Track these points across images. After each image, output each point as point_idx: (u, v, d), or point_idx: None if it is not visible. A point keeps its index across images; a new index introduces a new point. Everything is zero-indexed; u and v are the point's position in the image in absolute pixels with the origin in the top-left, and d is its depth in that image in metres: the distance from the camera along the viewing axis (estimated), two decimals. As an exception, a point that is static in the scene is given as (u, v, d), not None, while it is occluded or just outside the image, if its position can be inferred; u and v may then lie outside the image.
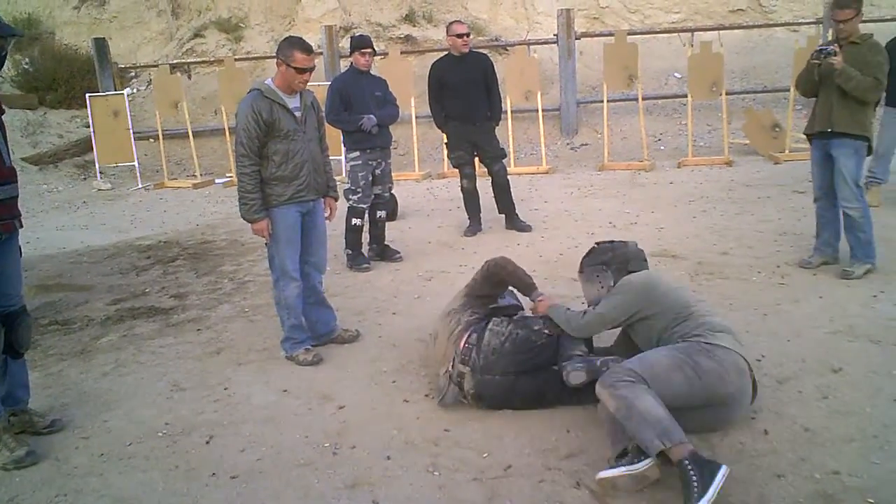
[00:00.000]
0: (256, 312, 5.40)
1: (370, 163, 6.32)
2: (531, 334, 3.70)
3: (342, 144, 6.48)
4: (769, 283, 5.29)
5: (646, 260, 3.97)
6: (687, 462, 2.79)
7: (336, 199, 4.83)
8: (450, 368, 3.71)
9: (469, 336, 3.72)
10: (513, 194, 7.32)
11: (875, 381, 3.71)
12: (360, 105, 6.24)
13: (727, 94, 10.80)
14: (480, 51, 7.85)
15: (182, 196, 10.75)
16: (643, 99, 11.12)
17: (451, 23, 6.98)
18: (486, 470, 3.18)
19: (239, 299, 5.75)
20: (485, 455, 3.29)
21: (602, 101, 11.05)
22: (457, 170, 7.27)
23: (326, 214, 4.73)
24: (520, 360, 3.64)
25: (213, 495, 3.14)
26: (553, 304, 3.91)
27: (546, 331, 3.71)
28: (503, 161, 7.16)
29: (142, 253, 7.46)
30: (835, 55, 5.07)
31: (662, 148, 11.68)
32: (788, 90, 10.55)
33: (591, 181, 9.59)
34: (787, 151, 10.18)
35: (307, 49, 4.33)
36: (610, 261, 3.85)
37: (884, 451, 3.09)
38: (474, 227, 7.26)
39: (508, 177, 7.27)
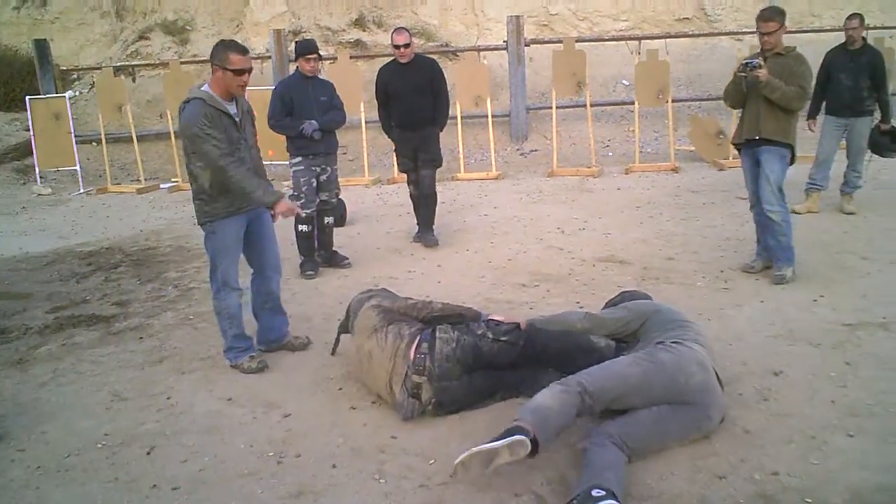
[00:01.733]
0: (201, 320, 5.31)
1: (314, 168, 6.26)
2: (477, 340, 3.71)
3: (286, 150, 6.41)
4: (713, 288, 5.38)
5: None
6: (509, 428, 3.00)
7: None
8: (404, 382, 3.67)
9: (419, 346, 3.68)
10: (436, 208, 7.05)
11: (814, 383, 3.79)
12: (304, 110, 6.18)
13: (673, 101, 11.00)
14: (428, 55, 7.77)
15: (126, 201, 10.52)
16: (591, 105, 11.25)
17: (393, 31, 6.83)
18: (433, 476, 3.16)
19: (183, 306, 5.65)
20: (431, 462, 3.28)
21: (551, 108, 11.14)
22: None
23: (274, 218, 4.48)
24: (470, 363, 3.68)
25: (154, 507, 3.08)
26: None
27: (490, 335, 3.73)
28: (433, 169, 6.87)
29: (83, 259, 7.27)
30: (760, 67, 5.22)
31: (610, 154, 11.83)
32: (807, 101, 10.75)
33: (541, 187, 9.65)
34: (731, 158, 10.36)
35: (242, 50, 4.18)
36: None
37: (822, 452, 3.15)
38: (425, 234, 7.13)
39: (437, 187, 6.99)
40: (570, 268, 6.04)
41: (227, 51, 4.12)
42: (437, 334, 3.71)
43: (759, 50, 5.59)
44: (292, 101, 6.23)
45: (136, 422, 3.83)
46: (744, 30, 13.23)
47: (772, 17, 5.36)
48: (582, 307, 5.09)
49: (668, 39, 12.64)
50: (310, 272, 6.28)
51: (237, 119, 4.26)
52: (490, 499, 2.97)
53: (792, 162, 5.55)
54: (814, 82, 7.15)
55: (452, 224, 7.73)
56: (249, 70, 4.21)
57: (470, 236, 7.25)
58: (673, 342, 3.41)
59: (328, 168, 6.36)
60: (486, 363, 3.71)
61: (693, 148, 11.14)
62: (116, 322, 5.39)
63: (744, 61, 5.38)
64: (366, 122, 10.91)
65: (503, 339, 3.72)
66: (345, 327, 4.26)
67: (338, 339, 4.37)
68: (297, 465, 3.33)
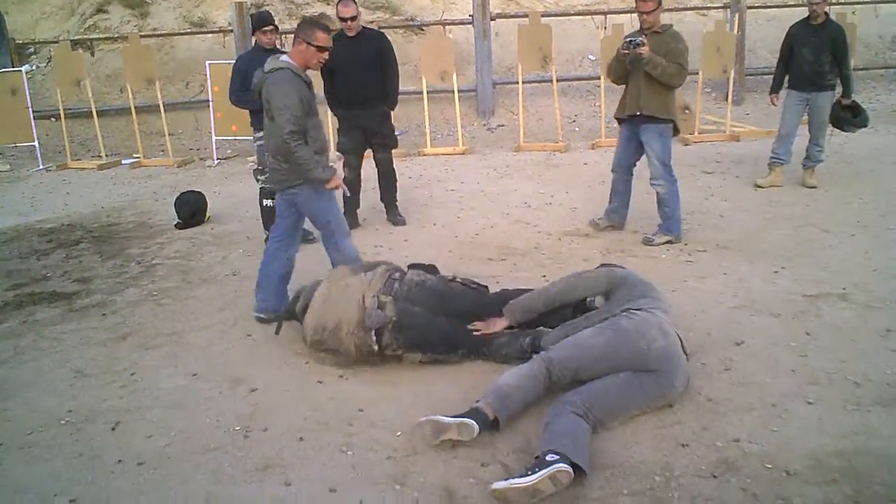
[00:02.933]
0: (165, 296, 5.25)
1: None
2: (444, 283, 4.16)
3: (250, 125, 6.33)
4: (677, 261, 5.44)
5: None
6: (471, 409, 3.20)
7: None
8: (375, 295, 3.91)
9: (391, 274, 4.07)
10: (397, 185, 6.99)
11: (774, 352, 3.86)
12: None
13: (638, 76, 11.00)
14: (376, 29, 7.45)
15: (86, 177, 10.33)
16: (558, 81, 11.24)
17: (338, 2, 6.38)
18: (399, 448, 3.18)
19: (146, 283, 5.58)
20: (398, 434, 3.29)
21: (517, 83, 11.11)
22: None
23: None
24: (435, 303, 3.98)
25: (119, 482, 3.05)
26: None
27: (459, 279, 4.21)
28: (388, 152, 6.75)
29: (43, 237, 7.14)
30: (643, 45, 5.45)
31: (577, 129, 11.85)
32: (697, 73, 10.83)
33: (507, 162, 9.65)
34: (696, 133, 10.47)
35: (327, 28, 4.44)
36: None
37: (781, 419, 3.22)
38: (349, 221, 5.78)
39: (394, 165, 6.90)
40: (537, 242, 6.06)
41: (314, 28, 4.39)
42: (409, 271, 4.16)
43: (641, 28, 5.76)
44: (251, 75, 6.13)
45: (99, 398, 3.79)
46: (708, 5, 13.29)
47: None
48: (548, 280, 5.12)
49: (633, 14, 12.64)
50: None
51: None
52: (457, 468, 3.00)
53: (675, 134, 5.88)
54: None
55: (419, 199, 7.70)
56: (330, 48, 4.48)
57: (437, 211, 7.23)
58: (636, 310, 3.46)
59: None
60: (451, 305, 4.02)
61: (658, 123, 11.18)
62: (78, 299, 5.31)
63: (626, 38, 5.59)
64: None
65: (472, 285, 4.19)
66: (292, 312, 4.29)
67: (281, 323, 4.37)
68: (264, 439, 3.33)
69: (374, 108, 6.53)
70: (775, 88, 7.71)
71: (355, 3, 6.32)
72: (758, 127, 10.83)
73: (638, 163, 6.10)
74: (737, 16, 11.66)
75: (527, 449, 3.09)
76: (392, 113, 6.78)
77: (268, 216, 6.24)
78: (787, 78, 7.52)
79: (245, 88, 6.13)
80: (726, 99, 11.13)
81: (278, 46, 6.39)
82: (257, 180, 6.22)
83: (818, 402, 3.35)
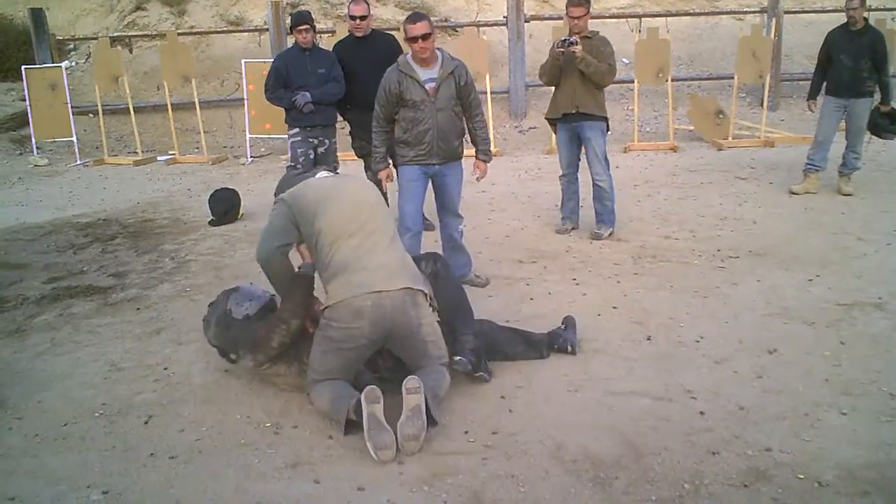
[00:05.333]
0: (198, 292, 5.31)
1: (310, 140, 6.27)
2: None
3: (284, 122, 6.40)
4: (709, 267, 5.39)
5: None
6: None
7: (485, 161, 5.27)
8: None
9: None
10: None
11: (808, 361, 3.82)
12: (300, 82, 6.16)
13: (673, 80, 10.95)
14: (386, 31, 7.26)
15: (122, 173, 10.49)
16: (591, 83, 11.17)
17: (350, 1, 6.29)
18: (429, 448, 3.17)
19: (180, 278, 5.65)
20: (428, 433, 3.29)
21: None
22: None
23: (477, 175, 5.27)
24: None
25: (152, 475, 3.09)
26: None
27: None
28: None
29: (80, 231, 7.26)
30: (576, 44, 5.71)
31: (609, 132, 11.75)
32: (732, 77, 10.75)
33: (539, 164, 9.64)
34: (730, 138, 10.38)
35: (413, 18, 4.67)
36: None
37: (814, 429, 3.18)
38: None
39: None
40: (568, 245, 6.05)
41: (405, 21, 4.70)
42: None
43: (571, 33, 5.97)
44: (288, 73, 6.20)
45: (133, 391, 3.84)
46: (745, 9, 13.18)
47: (581, 3, 5.86)
48: (578, 283, 5.12)
49: (668, 18, 12.58)
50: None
51: (427, 85, 4.77)
52: (487, 471, 2.99)
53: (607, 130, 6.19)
54: (815, 63, 7.23)
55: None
56: (425, 35, 4.62)
57: (468, 212, 7.15)
58: (325, 316, 3.53)
59: (326, 140, 6.34)
60: None
61: (692, 127, 11.11)
62: (113, 293, 5.39)
63: (561, 39, 5.84)
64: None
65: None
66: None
67: None
68: (294, 437, 3.35)
69: None
70: (813, 94, 7.62)
71: (367, 4, 6.25)
72: (793, 133, 10.71)
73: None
74: (774, 20, 11.53)
75: (556, 455, 3.09)
76: None
77: None
78: (824, 84, 7.42)
79: (281, 86, 6.21)
80: (761, 104, 11.00)
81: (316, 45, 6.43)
82: None
83: (852, 413, 3.30)
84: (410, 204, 5.05)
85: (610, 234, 6.16)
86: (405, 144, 4.94)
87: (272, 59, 7.42)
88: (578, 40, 5.75)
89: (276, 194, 3.82)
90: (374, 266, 3.42)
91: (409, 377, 3.28)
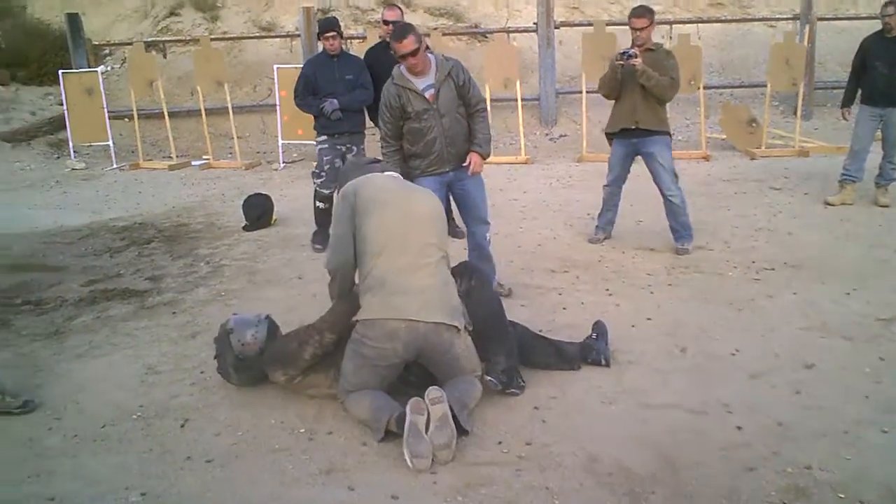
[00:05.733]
0: (232, 296, 5.37)
1: (338, 147, 6.32)
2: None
3: (314, 129, 6.47)
4: (744, 279, 5.35)
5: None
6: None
7: (479, 154, 4.98)
8: None
9: None
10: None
11: (847, 377, 3.77)
12: (328, 89, 6.22)
13: (705, 87, 10.87)
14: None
15: (157, 177, 10.61)
16: (622, 91, 11.12)
17: (385, 7, 6.43)
18: (463, 458, 3.18)
19: (215, 283, 5.71)
20: (462, 442, 3.30)
21: (581, 92, 11.05)
22: None
23: (468, 166, 4.93)
24: None
25: (188, 479, 3.13)
26: None
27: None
28: None
29: (116, 234, 7.36)
30: (636, 57, 5.56)
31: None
32: (765, 85, 10.65)
33: (570, 172, 9.61)
34: (763, 147, 10.28)
35: (398, 35, 4.55)
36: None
37: (855, 447, 3.14)
38: None
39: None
40: (601, 254, 6.03)
41: (392, 39, 4.64)
42: None
43: (634, 45, 5.81)
44: (316, 80, 6.27)
45: (169, 394, 3.89)
46: (777, 16, 13.05)
47: (643, 14, 5.76)
48: (611, 294, 5.10)
49: (700, 24, 12.50)
50: (318, 245, 6.36)
51: (426, 93, 4.70)
52: (522, 483, 2.99)
53: None
54: (849, 70, 7.28)
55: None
56: (412, 52, 4.53)
57: (499, 220, 7.20)
58: (359, 333, 3.58)
59: (354, 147, 6.39)
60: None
61: (724, 136, 11.02)
62: (150, 296, 5.46)
63: (620, 51, 5.71)
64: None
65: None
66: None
67: None
68: (328, 443, 3.37)
69: None
70: (847, 103, 7.53)
71: (400, 10, 6.31)
72: (827, 142, 10.57)
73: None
74: (807, 27, 11.41)
75: (590, 467, 3.08)
76: None
77: (321, 217, 6.36)
78: (859, 92, 7.33)
79: (310, 93, 6.28)
80: (794, 113, 10.88)
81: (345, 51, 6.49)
82: (313, 182, 6.46)
83: (893, 431, 3.25)
84: None
85: (691, 247, 5.97)
86: (415, 157, 4.89)
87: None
88: (638, 53, 5.60)
89: (338, 184, 3.95)
90: (415, 291, 3.44)
91: (430, 388, 3.32)
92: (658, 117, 5.85)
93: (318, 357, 3.65)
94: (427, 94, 4.70)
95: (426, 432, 3.17)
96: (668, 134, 5.96)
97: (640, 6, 5.94)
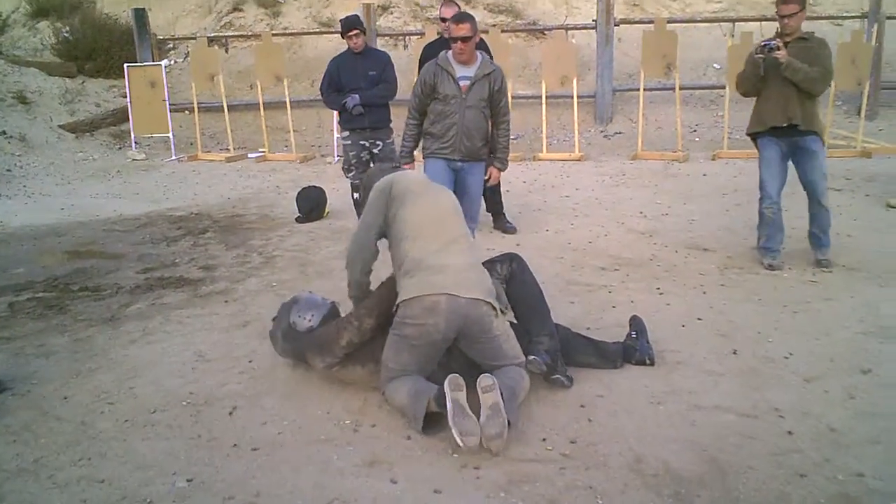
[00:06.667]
0: (284, 287, 5.43)
1: (362, 143, 6.44)
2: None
3: (338, 123, 6.58)
4: (800, 280, 5.22)
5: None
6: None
7: (499, 168, 5.47)
8: None
9: None
10: (502, 193, 6.90)
11: (905, 384, 3.65)
12: (351, 85, 6.36)
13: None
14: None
15: (214, 169, 10.82)
16: (680, 89, 10.97)
17: (442, 4, 6.48)
18: (508, 455, 3.15)
19: (267, 273, 5.79)
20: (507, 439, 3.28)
21: (638, 90, 10.92)
22: None
23: (486, 177, 5.42)
24: None
25: (234, 466, 3.17)
26: None
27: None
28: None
29: (173, 224, 7.52)
30: (778, 49, 5.10)
31: (697, 139, 11.54)
32: (829, 85, 10.36)
33: (624, 170, 9.50)
34: (824, 147, 9.99)
35: (458, 18, 4.91)
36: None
37: (910, 456, 3.04)
38: None
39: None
40: (652, 253, 5.94)
41: (451, 19, 5.02)
42: None
43: (782, 34, 5.34)
44: (340, 76, 6.38)
45: (219, 382, 3.95)
46: (844, 14, 12.69)
47: (793, 0, 5.17)
48: (662, 293, 5.02)
49: (763, 22, 12.22)
50: None
51: (462, 82, 5.00)
52: (565, 481, 2.97)
53: None
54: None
55: (533, 204, 7.68)
56: (463, 38, 4.85)
57: (550, 217, 7.20)
58: (398, 316, 3.57)
59: (380, 142, 6.48)
60: None
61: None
62: (203, 285, 5.56)
63: (761, 43, 5.24)
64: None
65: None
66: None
67: None
68: (372, 435, 3.38)
69: None
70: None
71: (458, 6, 6.32)
72: (891, 144, 10.26)
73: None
74: (875, 26, 11.08)
75: (636, 468, 3.03)
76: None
77: (358, 208, 6.45)
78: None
79: (334, 90, 6.39)
80: (858, 113, 10.59)
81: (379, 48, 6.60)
82: (346, 175, 6.66)
83: (951, 441, 3.15)
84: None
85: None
86: (431, 136, 5.18)
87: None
88: (781, 44, 5.11)
89: (364, 186, 4.03)
90: (452, 270, 3.46)
91: (482, 375, 3.29)
92: (813, 114, 5.30)
93: (355, 345, 3.67)
94: (462, 83, 4.99)
95: (478, 418, 3.15)
96: (820, 134, 5.38)
97: None
